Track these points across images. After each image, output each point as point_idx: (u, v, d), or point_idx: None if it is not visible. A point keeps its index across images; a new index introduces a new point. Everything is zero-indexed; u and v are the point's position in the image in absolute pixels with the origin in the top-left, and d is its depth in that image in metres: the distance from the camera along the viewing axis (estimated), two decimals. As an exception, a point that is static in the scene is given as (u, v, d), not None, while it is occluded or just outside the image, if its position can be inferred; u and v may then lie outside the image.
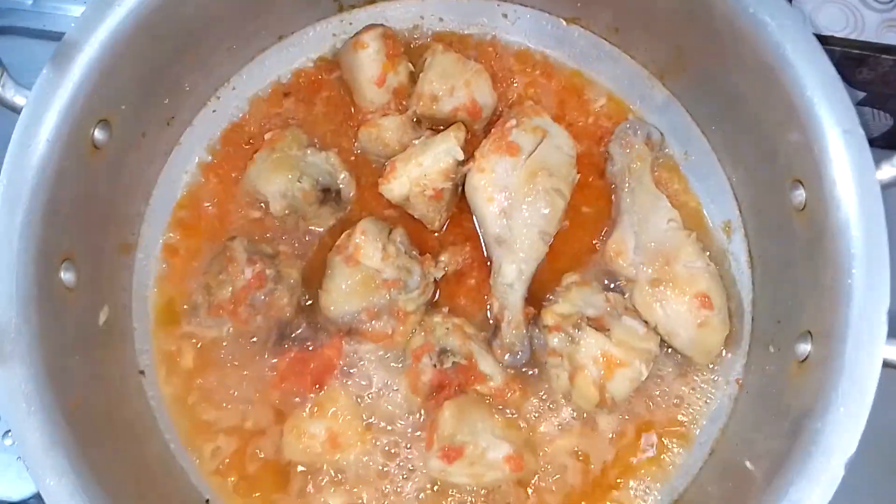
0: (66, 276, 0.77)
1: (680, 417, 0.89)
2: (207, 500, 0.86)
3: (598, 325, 0.87)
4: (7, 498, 1.01)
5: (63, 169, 0.76)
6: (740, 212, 0.91)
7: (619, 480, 0.88)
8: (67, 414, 0.70)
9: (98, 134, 0.80)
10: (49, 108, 0.75)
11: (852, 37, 1.09)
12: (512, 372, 0.91)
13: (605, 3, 0.95)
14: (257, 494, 0.87)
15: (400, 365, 0.91)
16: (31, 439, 0.66)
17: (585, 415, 0.90)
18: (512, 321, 0.90)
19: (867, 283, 0.66)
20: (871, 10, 1.10)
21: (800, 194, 0.76)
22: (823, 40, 1.13)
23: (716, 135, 0.93)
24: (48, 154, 0.74)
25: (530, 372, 0.91)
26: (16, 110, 0.76)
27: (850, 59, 1.10)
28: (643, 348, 0.86)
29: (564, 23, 1.01)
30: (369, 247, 0.89)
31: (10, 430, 1.02)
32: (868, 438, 0.65)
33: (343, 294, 0.90)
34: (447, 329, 0.90)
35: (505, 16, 1.02)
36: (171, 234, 0.97)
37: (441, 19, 1.03)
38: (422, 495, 0.87)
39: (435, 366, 0.89)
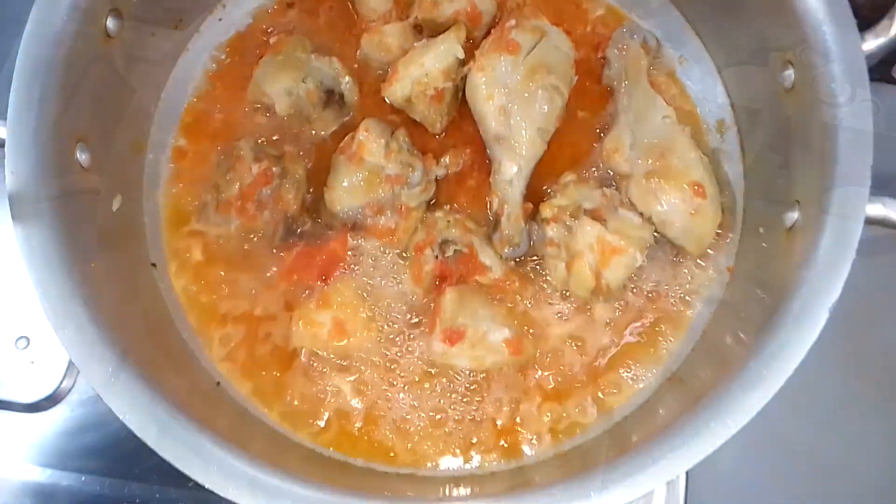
0: (82, 156, 0.80)
1: (672, 306, 0.92)
2: (218, 383, 0.90)
3: (595, 216, 0.90)
4: (20, 399, 1.04)
5: (77, 51, 0.79)
6: (733, 108, 0.95)
7: (614, 365, 0.91)
8: (86, 280, 0.73)
9: (110, 23, 0.83)
10: (64, -10, 0.78)
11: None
12: (512, 264, 0.94)
13: None
14: (265, 374, 0.90)
15: (403, 261, 0.94)
16: (51, 291, 0.69)
17: (582, 304, 0.93)
18: (511, 214, 0.93)
19: (852, 144, 0.70)
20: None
21: (789, 75, 0.79)
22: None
23: (710, 35, 0.96)
24: (63, 33, 0.77)
25: (529, 265, 0.94)
26: (32, -8, 0.78)
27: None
28: (638, 236, 0.89)
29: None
30: (372, 143, 0.92)
31: (22, 336, 1.06)
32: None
33: (347, 190, 0.93)
34: (448, 222, 0.93)
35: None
36: (180, 139, 1.00)
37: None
38: (424, 379, 0.91)
39: (437, 257, 0.92)
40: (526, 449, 0.89)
